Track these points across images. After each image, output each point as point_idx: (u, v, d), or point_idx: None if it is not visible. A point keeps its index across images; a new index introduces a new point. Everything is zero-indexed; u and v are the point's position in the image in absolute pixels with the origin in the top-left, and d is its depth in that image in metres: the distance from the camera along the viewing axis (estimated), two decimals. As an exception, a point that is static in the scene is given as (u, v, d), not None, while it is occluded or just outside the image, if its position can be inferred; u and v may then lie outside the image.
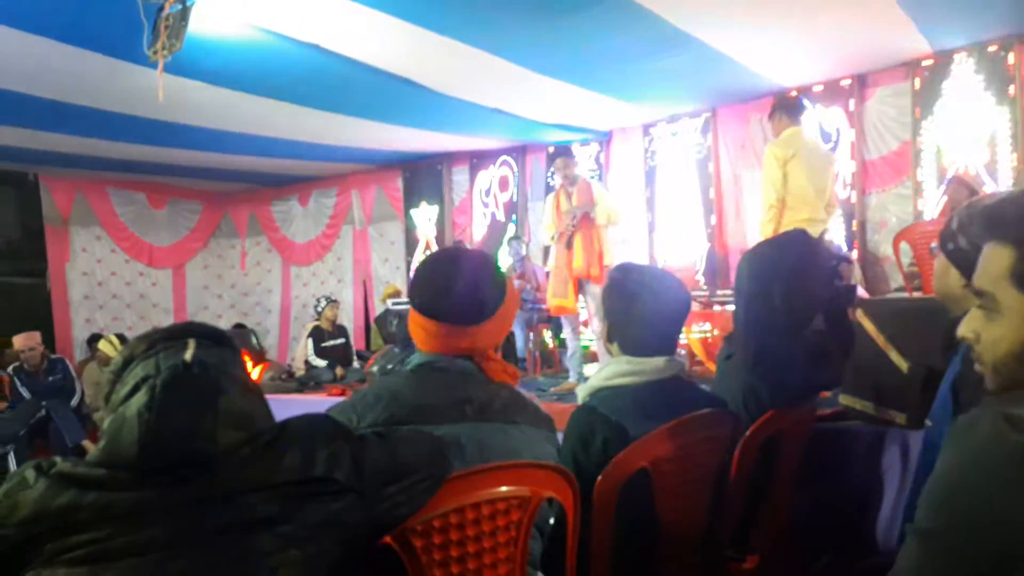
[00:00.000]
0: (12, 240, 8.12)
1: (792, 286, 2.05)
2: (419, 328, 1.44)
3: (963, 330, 0.97)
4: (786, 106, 4.23)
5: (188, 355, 1.00)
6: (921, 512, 0.85)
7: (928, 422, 1.60)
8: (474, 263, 1.46)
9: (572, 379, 5.04)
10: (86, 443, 5.91)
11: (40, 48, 4.50)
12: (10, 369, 6.35)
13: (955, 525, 0.81)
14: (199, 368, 1.00)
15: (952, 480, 0.83)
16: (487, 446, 1.35)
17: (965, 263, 1.55)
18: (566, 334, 5.12)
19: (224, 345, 1.09)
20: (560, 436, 1.64)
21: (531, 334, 6.39)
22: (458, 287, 1.39)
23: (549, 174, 7.68)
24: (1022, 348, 0.89)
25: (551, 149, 7.64)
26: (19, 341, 6.28)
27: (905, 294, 4.42)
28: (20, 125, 6.22)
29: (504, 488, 1.23)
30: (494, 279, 1.46)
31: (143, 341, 1.05)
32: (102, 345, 6.39)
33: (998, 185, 5.11)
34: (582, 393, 1.82)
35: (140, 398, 0.96)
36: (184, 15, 3.64)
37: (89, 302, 9.10)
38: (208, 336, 1.08)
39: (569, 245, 4.80)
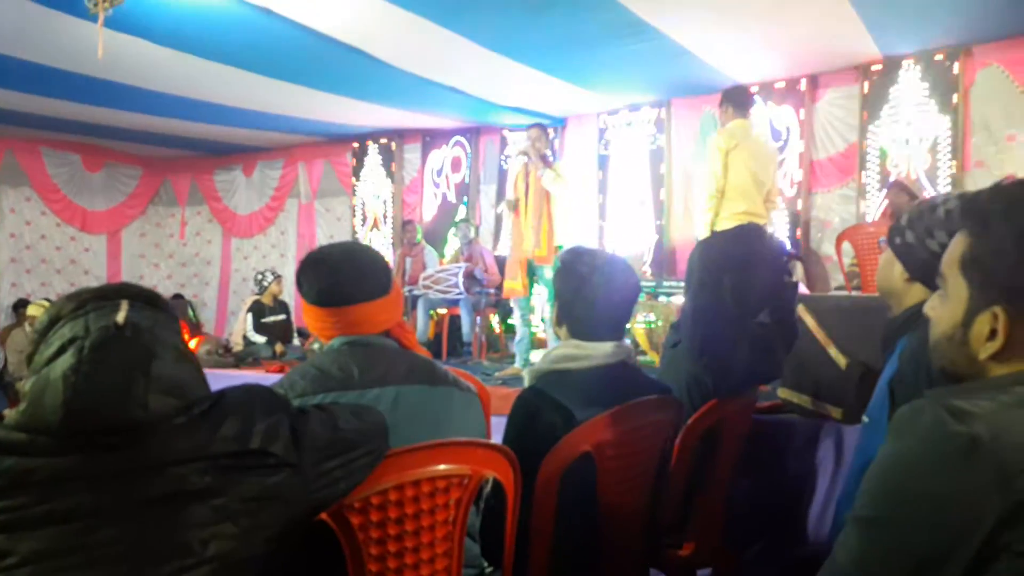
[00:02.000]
0: (-66, 198, 7.74)
1: (742, 278, 2.08)
2: (320, 320, 1.49)
3: (926, 307, 1.02)
4: (734, 98, 4.27)
5: (120, 316, 0.95)
6: (862, 500, 0.86)
7: (865, 418, 1.63)
8: (347, 248, 1.58)
9: (518, 364, 5.03)
10: (6, 412, 5.66)
11: (-30, -7, 4.25)
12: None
13: (897, 513, 0.82)
14: (131, 330, 0.95)
15: (895, 469, 0.85)
16: (412, 406, 1.39)
17: (909, 258, 1.59)
18: (515, 319, 5.10)
19: (158, 308, 1.04)
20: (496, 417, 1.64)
21: (478, 318, 6.35)
22: (346, 272, 1.46)
23: (503, 158, 7.64)
24: (953, 331, 0.93)
25: (505, 132, 7.60)
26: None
27: (845, 292, 4.53)
28: (-54, 76, 5.89)
29: (444, 466, 1.20)
30: (372, 258, 1.54)
31: (72, 300, 1.00)
32: (31, 310, 6.12)
33: (937, 190, 5.28)
34: (529, 376, 1.80)
35: (67, 359, 0.91)
36: (128, -33, 3.47)
37: (16, 266, 8.73)
38: (142, 298, 1.03)
39: (516, 209, 4.77)
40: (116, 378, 0.91)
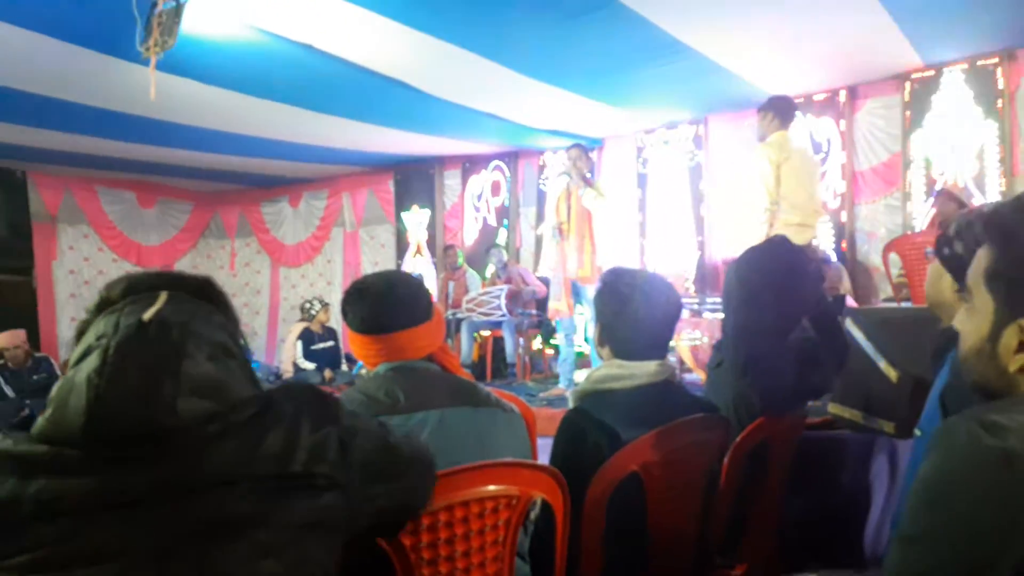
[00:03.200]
0: (-1, 237, 8.08)
1: (780, 291, 2.06)
2: (365, 348, 1.53)
3: (955, 321, 1.02)
4: (778, 107, 4.25)
5: (149, 313, 0.87)
6: (903, 519, 0.86)
7: (917, 431, 1.60)
8: (388, 278, 1.59)
9: (562, 385, 5.04)
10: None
11: (32, 43, 4.46)
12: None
13: (934, 531, 0.82)
14: (157, 328, 0.86)
15: (930, 486, 0.84)
16: (457, 428, 1.41)
17: (958, 269, 1.57)
18: (559, 339, 5.12)
19: (204, 299, 0.96)
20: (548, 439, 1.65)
21: (521, 339, 6.38)
22: (388, 300, 1.50)
23: (541, 180, 7.69)
24: (981, 345, 0.93)
25: (543, 155, 7.66)
26: (4, 339, 6.21)
27: (894, 304, 4.44)
28: (9, 121, 6.17)
29: (494, 487, 1.22)
30: (413, 286, 1.57)
31: (118, 285, 0.94)
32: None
33: (986, 198, 5.16)
34: (573, 397, 1.81)
35: (92, 361, 0.83)
36: (178, 12, 3.62)
37: (75, 300, 9.02)
38: (189, 287, 0.96)
39: (562, 235, 4.82)
40: (141, 380, 0.83)
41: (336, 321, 7.16)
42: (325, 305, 7.06)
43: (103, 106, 5.72)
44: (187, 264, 10.14)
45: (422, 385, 1.45)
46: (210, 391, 0.87)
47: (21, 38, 4.39)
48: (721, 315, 4.36)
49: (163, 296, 0.91)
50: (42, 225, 8.72)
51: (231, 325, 0.98)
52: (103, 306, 0.92)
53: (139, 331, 0.85)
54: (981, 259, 0.95)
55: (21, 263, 8.70)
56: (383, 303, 1.49)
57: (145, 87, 4.08)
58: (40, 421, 0.85)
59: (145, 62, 3.85)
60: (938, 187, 5.35)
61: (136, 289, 0.93)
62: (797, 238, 4.06)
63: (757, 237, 4.07)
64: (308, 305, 7.08)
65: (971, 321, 0.96)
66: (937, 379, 1.58)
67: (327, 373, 6.55)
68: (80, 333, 0.92)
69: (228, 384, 0.90)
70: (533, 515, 1.51)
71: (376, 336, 1.49)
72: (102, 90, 5.35)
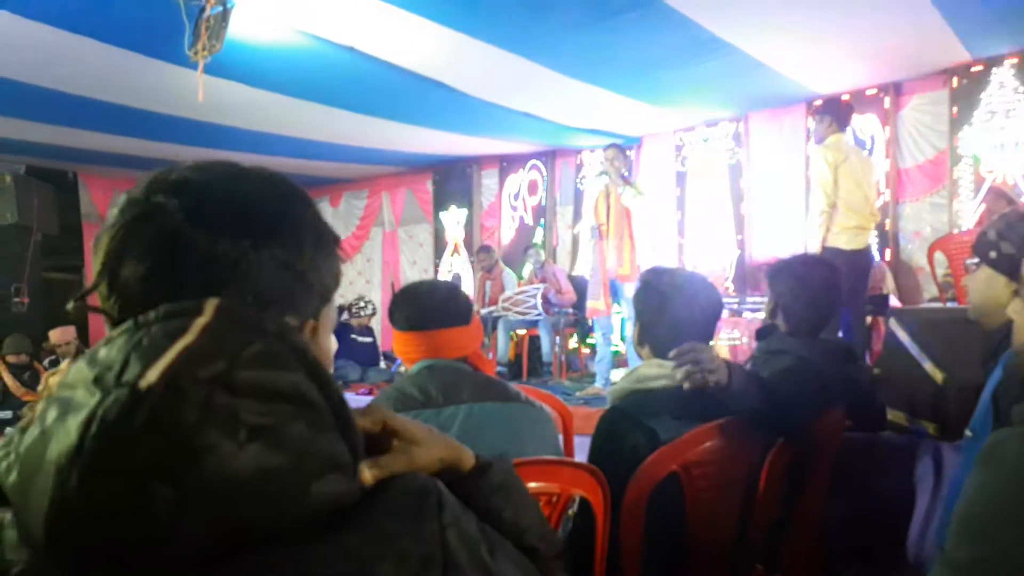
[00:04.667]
0: (50, 236, 8.30)
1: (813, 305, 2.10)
2: (407, 344, 1.62)
3: (1009, 310, 1.00)
4: (835, 112, 4.24)
5: (156, 372, 0.52)
6: (952, 541, 0.83)
7: (968, 432, 1.58)
8: (433, 283, 1.78)
9: (599, 384, 5.03)
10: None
11: (82, 47, 4.60)
12: (46, 363, 6.49)
13: (986, 555, 0.78)
14: (157, 406, 0.51)
15: (983, 507, 0.81)
16: (486, 421, 1.47)
17: (1013, 268, 1.54)
18: (596, 338, 5.12)
19: (272, 334, 0.58)
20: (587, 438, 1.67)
21: (557, 338, 6.39)
22: (431, 300, 1.62)
23: (578, 179, 7.69)
24: None
25: (580, 154, 7.65)
26: (55, 335, 6.42)
27: (939, 304, 4.35)
28: (60, 123, 6.36)
29: (535, 484, 1.24)
30: (454, 291, 1.69)
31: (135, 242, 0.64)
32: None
33: (1036, 196, 5.02)
34: (611, 395, 1.82)
35: (70, 434, 0.52)
36: (224, 17, 3.71)
37: (123, 298, 9.24)
38: (258, 295, 0.63)
39: (601, 236, 4.83)
40: (123, 490, 0.51)
41: (375, 319, 7.25)
42: (374, 310, 7.17)
43: (152, 108, 5.87)
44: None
45: (454, 381, 1.53)
46: (250, 497, 0.53)
47: (71, 43, 4.52)
48: (761, 315, 4.33)
49: (205, 317, 0.57)
50: (92, 225, 8.96)
51: (313, 364, 0.60)
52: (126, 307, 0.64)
53: (133, 406, 0.52)
54: None
55: (72, 262, 8.97)
56: (427, 302, 1.60)
57: (193, 90, 4.18)
58: (9, 480, 0.56)
59: (193, 65, 3.95)
60: (986, 185, 5.22)
61: (172, 288, 0.62)
62: (854, 242, 4.02)
63: (814, 239, 4.04)
64: (363, 304, 7.14)
65: None
66: (989, 380, 1.56)
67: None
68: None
69: (288, 481, 0.54)
70: (571, 512, 1.52)
71: (418, 332, 1.59)
72: (151, 93, 5.50)
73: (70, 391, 0.55)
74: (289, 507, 0.54)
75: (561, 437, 2.25)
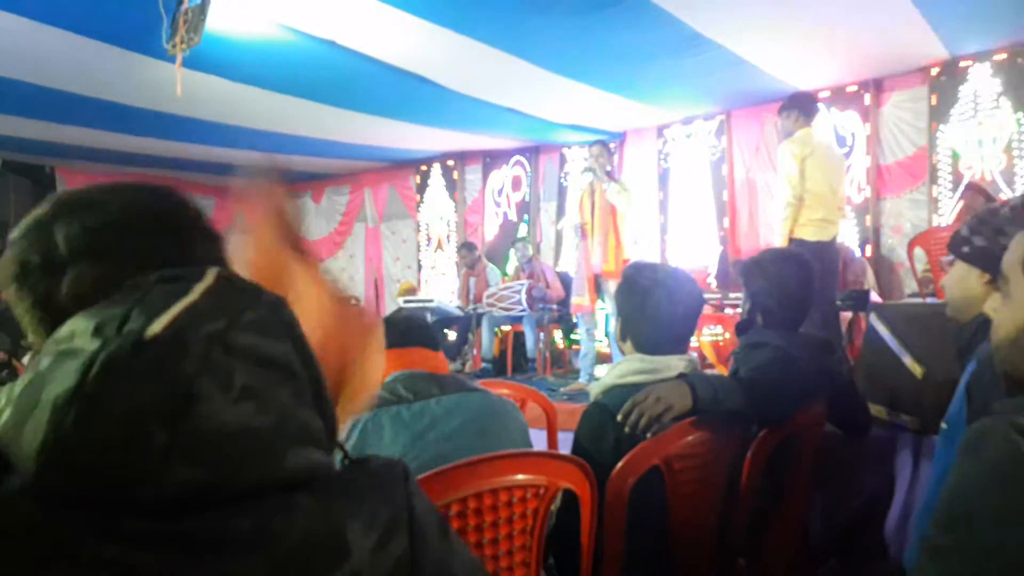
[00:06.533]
0: (27, 232, 8.20)
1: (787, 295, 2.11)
2: (399, 361, 1.66)
3: (986, 307, 0.99)
4: (802, 105, 4.23)
5: (161, 322, 0.57)
6: (934, 529, 0.83)
7: (944, 425, 1.60)
8: (406, 312, 2.07)
9: (583, 380, 5.04)
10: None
11: (58, 40, 4.53)
12: (25, 359, 6.41)
13: (970, 543, 0.79)
14: (162, 352, 0.56)
15: (966, 496, 0.82)
16: (454, 410, 1.53)
17: (987, 261, 1.56)
18: (580, 334, 5.12)
19: (266, 317, 0.62)
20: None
21: (542, 334, 6.39)
22: (409, 324, 1.74)
23: (562, 175, 7.69)
24: (1017, 334, 0.91)
25: (564, 149, 7.66)
26: (33, 332, 6.32)
27: (919, 299, 4.40)
28: (37, 117, 6.26)
29: (522, 476, 1.24)
30: (422, 319, 1.88)
31: (152, 239, 0.72)
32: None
33: (1014, 192, 5.08)
34: (594, 391, 1.82)
35: (68, 377, 0.55)
36: (203, 9, 3.67)
37: (101, 295, 9.15)
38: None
39: (585, 235, 4.84)
40: (122, 427, 0.54)
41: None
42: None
43: (129, 103, 5.79)
44: (211, 259, 10.26)
45: (421, 383, 1.58)
46: (233, 452, 0.57)
47: (48, 36, 4.45)
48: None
49: (206, 282, 0.61)
50: (70, 220, 8.87)
51: (299, 337, 0.65)
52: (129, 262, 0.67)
53: (136, 352, 0.56)
54: (1018, 245, 0.93)
55: (50, 258, 8.85)
56: (403, 325, 1.71)
57: (171, 84, 4.13)
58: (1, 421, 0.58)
59: (171, 59, 3.90)
60: (965, 181, 5.28)
61: (175, 256, 0.69)
62: (820, 234, 4.03)
63: (780, 232, 4.05)
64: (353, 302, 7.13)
65: (1007, 309, 0.94)
66: (965, 371, 1.58)
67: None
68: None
69: (268, 443, 0.59)
70: (554, 507, 1.52)
71: (392, 350, 1.61)
72: (128, 87, 5.42)
73: (67, 343, 0.58)
74: (266, 469, 0.59)
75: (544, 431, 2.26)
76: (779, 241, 4.01)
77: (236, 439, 0.57)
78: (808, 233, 4.00)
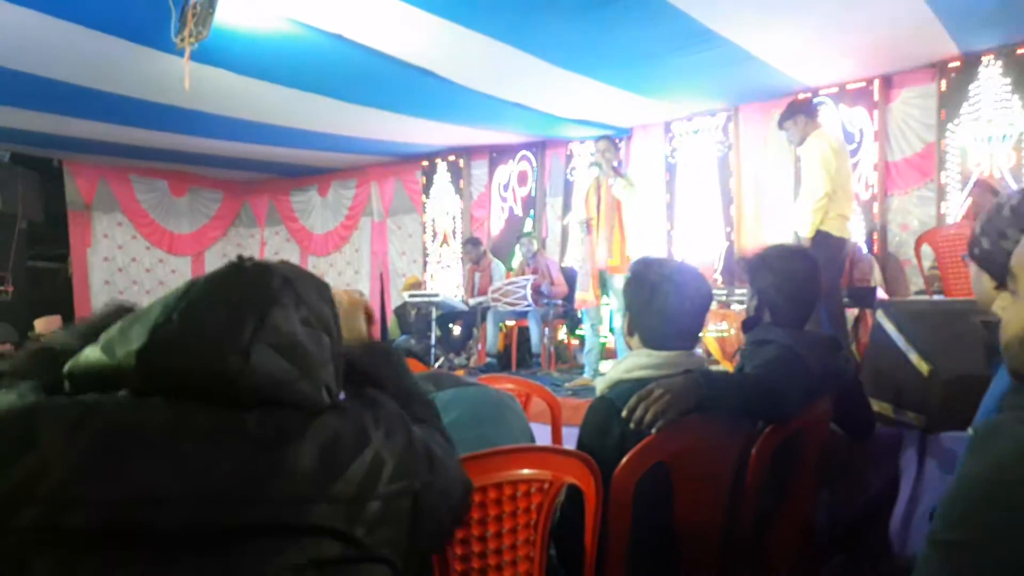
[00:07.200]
0: (35, 224, 8.22)
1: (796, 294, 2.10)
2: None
3: (995, 306, 1.00)
4: (804, 109, 4.24)
5: (249, 263, 0.82)
6: (940, 523, 0.83)
7: (970, 430, 1.57)
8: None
9: (587, 375, 5.04)
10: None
11: (67, 33, 4.54)
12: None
13: (977, 538, 0.79)
14: (256, 269, 0.79)
15: (973, 491, 0.82)
16: (454, 402, 1.57)
17: (991, 265, 1.55)
18: (585, 329, 5.12)
19: (319, 286, 0.89)
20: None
21: (546, 329, 6.38)
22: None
23: (568, 170, 7.68)
24: None
25: (571, 145, 7.64)
26: (40, 325, 6.37)
27: (926, 297, 4.38)
28: (45, 110, 6.28)
29: (527, 471, 1.24)
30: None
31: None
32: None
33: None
34: (600, 385, 1.81)
35: (175, 292, 0.77)
36: (211, 3, 3.67)
37: (109, 287, 9.19)
38: (310, 282, 0.88)
39: (590, 231, 4.83)
40: (221, 314, 0.74)
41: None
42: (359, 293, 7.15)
43: (137, 96, 5.81)
44: (218, 252, 10.29)
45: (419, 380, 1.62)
46: (293, 354, 0.77)
47: (57, 28, 4.47)
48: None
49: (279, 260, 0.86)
50: (77, 213, 8.89)
51: (336, 315, 0.90)
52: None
53: (235, 268, 0.79)
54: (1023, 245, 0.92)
55: (57, 251, 8.89)
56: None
57: (179, 77, 4.14)
58: (108, 337, 0.75)
59: (179, 52, 3.91)
60: (974, 178, 5.25)
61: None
62: (844, 231, 4.04)
63: (806, 225, 4.00)
64: (358, 296, 7.15)
65: (1015, 307, 0.93)
66: (995, 379, 1.55)
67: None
68: None
69: (314, 357, 0.80)
70: (557, 501, 1.53)
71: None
72: (137, 80, 5.44)
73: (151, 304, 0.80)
74: (309, 369, 0.79)
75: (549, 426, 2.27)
76: (804, 232, 3.97)
77: (295, 348, 0.78)
78: (834, 228, 3.98)
